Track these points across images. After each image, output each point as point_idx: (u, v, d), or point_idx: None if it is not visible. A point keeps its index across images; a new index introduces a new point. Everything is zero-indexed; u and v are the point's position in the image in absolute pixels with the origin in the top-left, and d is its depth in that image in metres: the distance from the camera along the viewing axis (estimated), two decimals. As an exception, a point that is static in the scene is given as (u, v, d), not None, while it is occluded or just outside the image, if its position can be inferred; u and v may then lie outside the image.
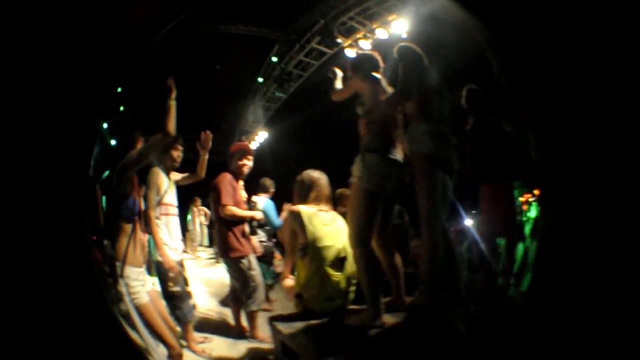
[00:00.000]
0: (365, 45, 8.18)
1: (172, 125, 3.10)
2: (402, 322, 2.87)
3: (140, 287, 2.71)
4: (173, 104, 3.17)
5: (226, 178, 4.13)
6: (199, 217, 11.05)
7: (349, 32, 8.58)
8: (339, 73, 3.48)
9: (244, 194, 4.44)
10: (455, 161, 3.02)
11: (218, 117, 13.13)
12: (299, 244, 3.23)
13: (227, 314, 4.94)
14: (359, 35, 8.42)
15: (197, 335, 4.04)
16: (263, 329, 4.11)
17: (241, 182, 4.37)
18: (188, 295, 3.74)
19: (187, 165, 3.98)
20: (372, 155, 2.90)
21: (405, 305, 3.12)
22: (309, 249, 3.13)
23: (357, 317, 2.92)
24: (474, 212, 4.17)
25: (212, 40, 11.55)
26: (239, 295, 4.18)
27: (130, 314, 2.55)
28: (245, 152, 4.31)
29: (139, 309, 2.60)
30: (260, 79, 12.14)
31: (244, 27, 11.08)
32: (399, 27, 7.63)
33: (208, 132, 3.99)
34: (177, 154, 3.78)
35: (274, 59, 11.17)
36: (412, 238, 4.64)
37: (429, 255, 2.89)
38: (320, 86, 9.66)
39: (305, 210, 3.24)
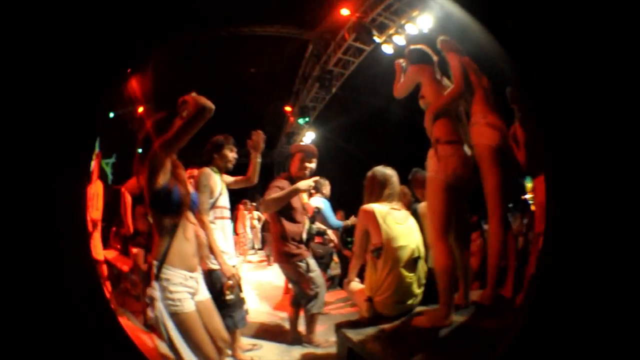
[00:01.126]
0: (400, 40, 8.15)
1: (254, 175, 3.56)
2: (469, 321, 2.83)
3: (186, 294, 2.30)
4: (258, 160, 3.53)
5: (279, 183, 3.92)
6: (250, 219, 11.00)
7: (380, 29, 8.53)
8: (404, 65, 3.41)
9: (305, 198, 4.30)
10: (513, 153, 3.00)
11: (260, 120, 13.30)
12: (371, 245, 3.12)
13: (279, 318, 4.98)
14: (391, 31, 8.37)
15: (246, 343, 3.97)
16: (319, 334, 4.11)
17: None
18: (241, 302, 3.57)
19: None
20: (444, 147, 2.87)
21: (469, 303, 3.07)
22: (383, 250, 3.03)
23: (426, 318, 2.86)
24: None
25: (242, 42, 11.76)
26: (299, 299, 4.08)
27: (161, 322, 2.22)
28: (309, 155, 4.06)
29: (176, 318, 2.23)
30: (302, 80, 12.15)
31: (271, 28, 11.16)
32: (424, 22, 7.71)
33: (259, 131, 3.65)
34: (232, 154, 3.60)
35: (313, 58, 11.15)
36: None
37: (497, 248, 2.89)
38: (366, 83, 9.65)
39: (379, 209, 3.13)
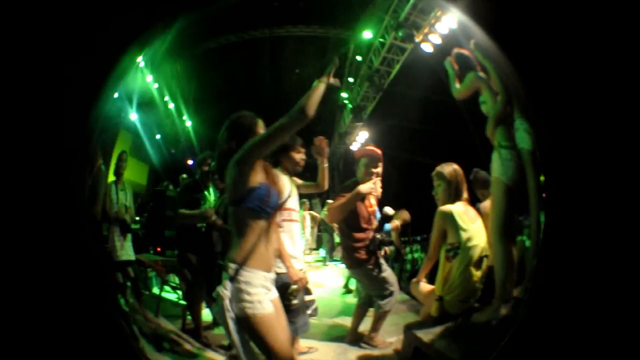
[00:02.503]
0: (435, 39, 8.11)
1: (323, 181, 3.53)
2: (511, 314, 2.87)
3: (264, 295, 2.20)
4: (325, 166, 3.50)
5: (349, 188, 3.88)
6: (309, 220, 11.05)
7: (416, 28, 8.52)
8: (454, 67, 3.49)
9: (373, 204, 4.23)
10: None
11: (312, 121, 13.41)
12: (447, 245, 3.20)
13: (336, 318, 5.07)
14: (425, 30, 8.32)
15: (303, 345, 3.97)
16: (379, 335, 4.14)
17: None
18: (305, 307, 3.48)
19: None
20: (505, 151, 2.95)
21: (512, 297, 3.08)
22: (457, 250, 3.12)
23: (482, 313, 2.97)
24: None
25: (281, 44, 11.95)
26: (369, 299, 4.13)
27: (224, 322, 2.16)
28: (374, 160, 4.03)
29: (254, 319, 2.11)
30: (351, 79, 12.17)
31: (308, 29, 11.22)
32: (448, 21, 7.64)
33: (322, 137, 3.57)
34: (300, 156, 3.51)
35: (358, 57, 11.14)
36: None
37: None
38: (414, 81, 9.57)
39: (457, 209, 3.21)
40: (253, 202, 2.17)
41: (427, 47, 8.26)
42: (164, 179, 9.67)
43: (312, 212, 10.81)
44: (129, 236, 4.55)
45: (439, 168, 3.42)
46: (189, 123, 15.57)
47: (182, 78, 13.43)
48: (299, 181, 3.67)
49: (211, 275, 4.08)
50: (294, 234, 3.46)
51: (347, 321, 4.74)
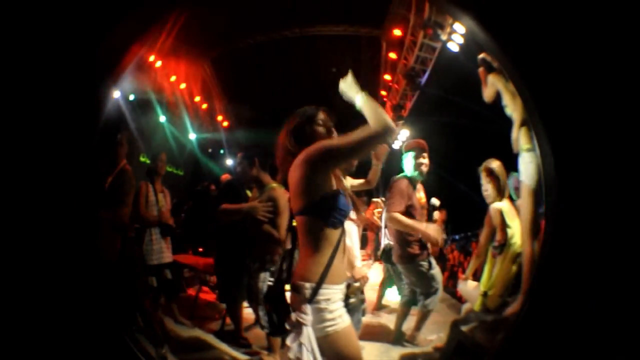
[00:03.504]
0: (458, 39, 8.01)
1: (374, 180, 3.70)
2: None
3: (343, 307, 2.03)
4: (380, 168, 3.66)
5: (401, 184, 3.96)
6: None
7: (441, 27, 8.42)
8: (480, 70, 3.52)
9: (422, 196, 4.31)
10: None
11: (352, 119, 13.46)
12: (495, 242, 3.25)
13: (379, 318, 5.04)
14: (448, 30, 8.23)
15: None
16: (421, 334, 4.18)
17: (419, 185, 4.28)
18: (360, 306, 3.44)
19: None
20: (527, 154, 2.97)
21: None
22: (503, 247, 3.18)
23: (511, 308, 2.98)
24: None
25: (312, 43, 12.02)
26: (413, 297, 4.14)
27: (307, 349, 1.86)
28: (422, 150, 4.09)
29: (334, 336, 1.94)
30: (387, 77, 12.15)
31: (338, 27, 11.23)
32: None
33: (385, 145, 3.76)
34: None
35: (392, 55, 11.10)
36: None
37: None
38: (449, 79, 9.47)
39: (505, 206, 3.28)
40: (329, 211, 1.96)
41: (453, 46, 8.18)
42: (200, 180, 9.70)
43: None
44: (169, 238, 4.48)
45: (487, 164, 3.42)
46: (225, 123, 15.94)
47: (216, 78, 13.82)
48: (354, 181, 3.77)
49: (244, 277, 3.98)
50: (353, 234, 3.45)
51: (386, 319, 4.84)
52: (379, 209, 6.63)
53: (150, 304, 4.14)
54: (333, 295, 1.94)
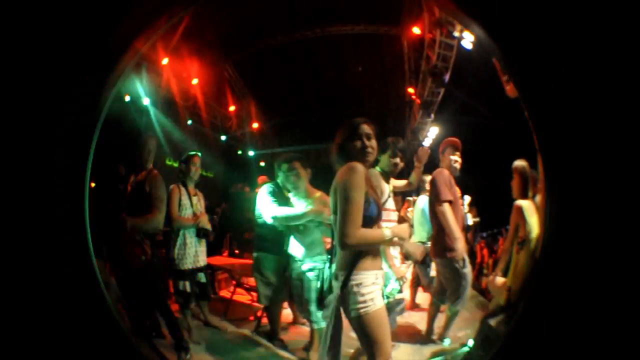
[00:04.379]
0: (469, 37, 8.01)
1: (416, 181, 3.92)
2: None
3: (377, 291, 2.31)
4: (421, 170, 3.88)
5: (444, 173, 4.06)
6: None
7: (451, 25, 8.51)
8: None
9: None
10: None
11: (381, 118, 13.48)
12: (519, 238, 3.36)
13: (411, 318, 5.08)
14: (459, 28, 8.27)
15: None
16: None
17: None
18: (397, 304, 3.58)
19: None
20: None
21: None
22: (525, 242, 3.29)
23: None
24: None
25: (334, 42, 12.17)
26: (444, 296, 4.17)
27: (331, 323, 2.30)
28: (455, 148, 4.20)
29: (366, 317, 2.24)
30: (412, 74, 12.19)
31: (358, 26, 11.25)
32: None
33: (426, 147, 4.07)
34: (396, 160, 3.70)
35: (414, 53, 11.14)
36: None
37: None
38: (472, 77, 9.41)
39: (525, 204, 3.40)
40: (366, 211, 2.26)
41: (466, 44, 8.20)
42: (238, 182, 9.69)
43: None
44: (204, 242, 4.40)
45: (516, 162, 3.53)
46: (255, 124, 16.10)
47: (241, 80, 14.00)
48: (398, 182, 3.89)
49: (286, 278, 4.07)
50: None
51: (418, 318, 4.91)
52: (411, 208, 6.70)
53: (179, 308, 4.18)
54: (364, 280, 2.25)
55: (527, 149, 3.53)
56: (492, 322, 3.08)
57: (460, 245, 3.85)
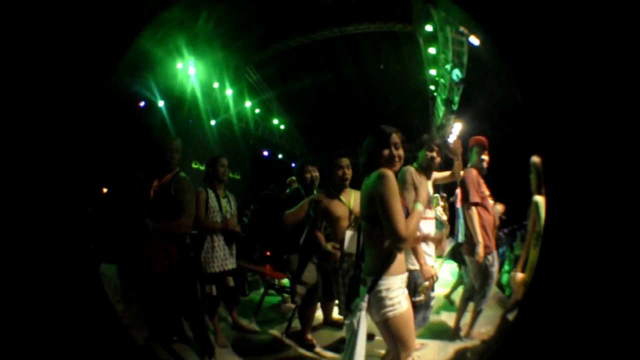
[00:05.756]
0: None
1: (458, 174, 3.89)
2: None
3: (403, 294, 2.44)
4: (458, 163, 3.87)
5: (473, 174, 4.09)
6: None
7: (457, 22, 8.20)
8: None
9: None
10: None
11: (405, 115, 13.46)
12: (535, 233, 3.42)
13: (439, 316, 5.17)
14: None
15: (417, 342, 4.02)
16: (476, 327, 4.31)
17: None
18: (427, 304, 3.64)
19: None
20: None
21: None
22: (540, 237, 3.28)
23: None
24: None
25: (352, 42, 12.24)
26: (473, 294, 4.26)
27: (355, 331, 2.33)
28: (483, 147, 4.22)
29: (394, 320, 2.37)
30: (432, 71, 12.21)
31: (374, 25, 11.21)
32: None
33: (458, 140, 4.01)
34: (431, 154, 3.71)
35: (432, 50, 11.13)
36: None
37: None
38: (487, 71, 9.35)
39: (539, 199, 3.44)
40: None
41: (473, 40, 8.26)
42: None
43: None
44: (234, 245, 4.43)
45: (533, 157, 3.53)
46: (282, 126, 16.23)
47: (263, 82, 14.11)
48: (438, 175, 3.93)
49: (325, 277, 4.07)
50: (425, 231, 3.64)
51: (446, 317, 5.00)
52: (442, 204, 6.75)
53: (207, 312, 4.20)
54: (392, 284, 2.39)
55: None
56: (510, 316, 3.16)
57: (481, 250, 3.90)
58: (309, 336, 4.36)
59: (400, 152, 2.55)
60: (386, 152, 2.50)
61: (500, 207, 5.23)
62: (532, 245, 3.43)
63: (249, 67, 13.82)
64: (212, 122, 13.10)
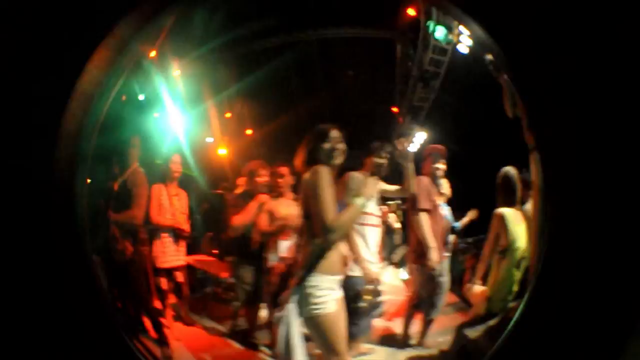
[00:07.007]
0: (467, 41, 7.87)
1: (409, 184, 3.59)
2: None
3: (331, 296, 2.43)
4: (411, 169, 3.57)
5: (424, 181, 4.01)
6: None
7: (448, 29, 8.37)
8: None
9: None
10: None
11: (368, 122, 13.48)
12: (499, 246, 3.31)
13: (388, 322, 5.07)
14: (456, 32, 8.15)
15: (364, 346, 4.04)
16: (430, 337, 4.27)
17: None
18: (372, 310, 3.61)
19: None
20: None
21: None
22: (506, 252, 3.23)
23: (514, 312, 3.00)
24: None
25: (328, 46, 12.13)
26: (421, 302, 4.18)
27: (285, 322, 2.38)
28: (438, 155, 4.18)
29: (318, 319, 2.38)
30: (402, 80, 12.25)
31: (353, 29, 11.28)
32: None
33: (405, 140, 3.70)
34: (382, 161, 3.65)
35: (408, 56, 11.18)
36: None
37: None
38: (463, 82, 9.44)
39: (507, 212, 3.33)
40: None
41: (462, 48, 8.10)
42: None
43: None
44: (183, 241, 4.51)
45: (505, 169, 3.49)
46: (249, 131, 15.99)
47: (234, 80, 13.86)
48: (386, 186, 3.78)
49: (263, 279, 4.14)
50: (368, 237, 3.60)
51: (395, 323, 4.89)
52: (392, 211, 6.73)
53: (159, 305, 4.26)
54: (321, 283, 2.39)
55: (517, 157, 3.54)
56: (471, 333, 3.04)
57: (435, 254, 3.84)
58: (255, 335, 4.38)
59: (341, 145, 2.60)
60: (326, 145, 2.55)
61: (472, 213, 5.22)
62: (496, 259, 3.33)
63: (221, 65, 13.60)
64: (177, 120, 12.77)
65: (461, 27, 7.69)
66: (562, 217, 1.81)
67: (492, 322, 3.09)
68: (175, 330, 4.32)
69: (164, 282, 4.31)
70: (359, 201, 2.47)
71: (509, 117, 3.25)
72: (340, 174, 3.11)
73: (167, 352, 3.73)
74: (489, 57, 3.40)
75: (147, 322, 3.82)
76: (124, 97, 9.95)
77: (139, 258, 3.77)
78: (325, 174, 2.40)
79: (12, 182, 1.82)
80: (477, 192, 3.85)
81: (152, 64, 10.48)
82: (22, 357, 1.85)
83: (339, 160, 2.59)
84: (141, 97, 10.34)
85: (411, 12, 9.35)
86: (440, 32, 8.34)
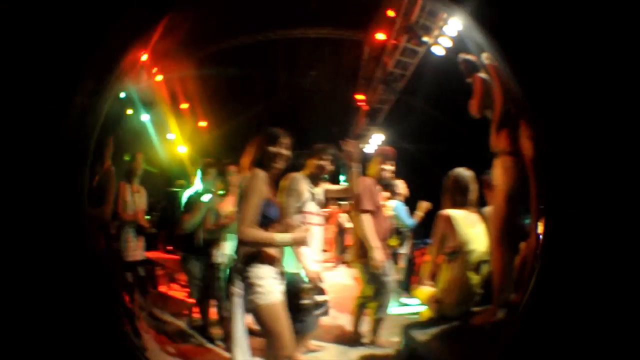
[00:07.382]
0: (446, 43, 7.87)
1: (353, 185, 3.49)
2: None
3: (276, 285, 2.55)
4: (357, 170, 3.47)
5: (367, 182, 4.04)
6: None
7: (426, 30, 8.32)
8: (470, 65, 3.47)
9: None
10: None
11: (327, 122, 13.48)
12: (447, 248, 3.27)
13: (342, 319, 5.13)
14: (435, 33, 8.14)
15: (313, 344, 4.11)
16: (382, 336, 4.28)
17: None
18: (316, 307, 3.50)
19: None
20: (507, 158, 2.95)
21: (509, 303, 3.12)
22: (457, 254, 3.20)
23: (481, 317, 3.02)
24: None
25: (295, 46, 12.09)
26: (367, 301, 4.23)
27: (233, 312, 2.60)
28: (386, 157, 4.24)
29: (264, 309, 2.46)
30: (365, 80, 12.26)
31: (323, 30, 11.29)
32: (454, 25, 7.42)
33: (352, 140, 3.48)
34: (325, 163, 3.57)
35: (373, 58, 11.22)
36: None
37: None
38: (426, 84, 9.56)
39: (456, 213, 3.29)
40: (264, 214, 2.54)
41: (438, 50, 8.13)
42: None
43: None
44: (142, 237, 4.67)
45: (456, 170, 3.48)
46: (203, 123, 15.76)
47: (196, 78, 13.61)
48: (330, 187, 3.74)
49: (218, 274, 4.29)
50: (315, 237, 3.54)
51: (346, 320, 4.93)
52: (345, 211, 6.77)
53: (128, 298, 4.29)
54: (262, 273, 2.52)
55: (477, 161, 3.59)
56: (419, 335, 2.99)
57: (378, 254, 3.88)
58: (211, 329, 4.49)
59: (287, 152, 2.74)
60: (273, 149, 2.68)
61: (423, 206, 5.40)
62: (445, 261, 3.30)
63: (192, 64, 13.32)
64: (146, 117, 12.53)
65: (444, 28, 7.75)
66: (562, 217, 1.84)
67: (445, 327, 3.06)
68: (145, 324, 4.42)
69: (129, 276, 4.45)
70: (278, 238, 2.54)
71: (475, 118, 3.33)
72: (282, 174, 3.10)
73: (141, 343, 3.75)
74: (464, 57, 3.46)
75: (122, 314, 3.76)
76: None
77: (110, 252, 3.97)
78: (260, 180, 2.53)
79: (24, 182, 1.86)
80: (436, 192, 3.83)
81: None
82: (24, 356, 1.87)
83: (280, 165, 2.73)
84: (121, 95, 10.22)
85: (390, 13, 9.23)
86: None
